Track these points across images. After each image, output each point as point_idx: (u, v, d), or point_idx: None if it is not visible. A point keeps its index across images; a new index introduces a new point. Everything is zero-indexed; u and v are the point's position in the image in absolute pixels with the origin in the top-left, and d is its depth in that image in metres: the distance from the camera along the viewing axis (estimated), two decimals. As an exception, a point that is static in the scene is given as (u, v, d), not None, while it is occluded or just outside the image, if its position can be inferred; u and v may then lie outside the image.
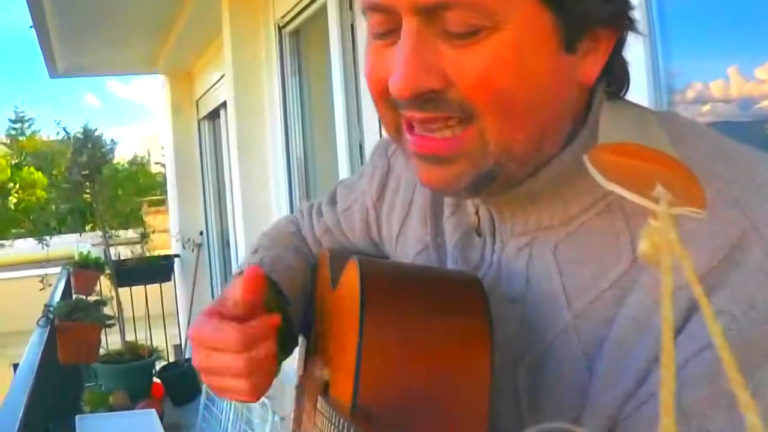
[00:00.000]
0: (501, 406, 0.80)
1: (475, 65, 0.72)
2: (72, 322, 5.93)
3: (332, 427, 0.77)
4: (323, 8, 4.04)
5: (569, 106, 0.79)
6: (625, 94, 0.86)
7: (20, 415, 3.26)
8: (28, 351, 4.85)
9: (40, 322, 5.79)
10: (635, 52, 1.76)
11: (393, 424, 0.73)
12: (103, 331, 6.56)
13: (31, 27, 6.01)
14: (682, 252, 0.44)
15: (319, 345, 1.07)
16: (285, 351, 1.06)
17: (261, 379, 0.91)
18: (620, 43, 0.80)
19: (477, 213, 0.93)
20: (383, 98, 0.80)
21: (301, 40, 4.81)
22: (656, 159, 0.65)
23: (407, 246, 1.05)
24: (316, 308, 1.14)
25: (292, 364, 1.16)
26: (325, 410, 0.83)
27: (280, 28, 4.81)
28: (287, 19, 4.67)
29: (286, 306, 1.05)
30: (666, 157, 0.67)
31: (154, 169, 17.47)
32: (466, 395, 0.74)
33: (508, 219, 0.87)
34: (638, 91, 0.86)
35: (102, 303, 6.65)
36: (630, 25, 0.79)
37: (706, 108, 1.94)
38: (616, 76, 0.83)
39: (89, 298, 6.83)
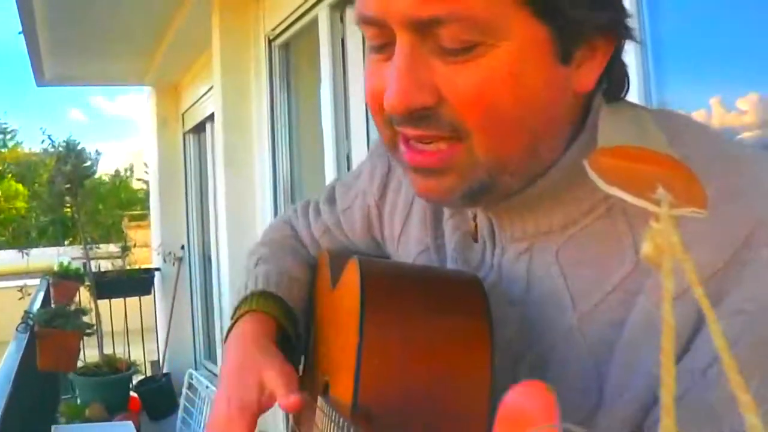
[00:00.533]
0: None
1: (469, 82, 0.72)
2: (52, 329, 5.89)
3: (333, 426, 0.77)
4: (314, 22, 4.06)
5: (565, 114, 0.79)
6: (624, 97, 0.85)
7: (-3, 419, 3.22)
8: (7, 357, 4.81)
9: (19, 329, 5.74)
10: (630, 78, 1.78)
11: (393, 423, 0.72)
12: (82, 342, 6.51)
13: (20, 33, 6.00)
14: (684, 254, 0.43)
15: (319, 345, 1.07)
16: (293, 365, 1.07)
17: None
18: (618, 50, 0.80)
19: (474, 219, 0.93)
20: (380, 113, 0.79)
21: (291, 54, 4.82)
22: (656, 160, 0.65)
23: (409, 246, 1.05)
24: (315, 308, 1.14)
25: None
26: (326, 410, 0.83)
27: (270, 41, 4.82)
28: (277, 31, 4.68)
29: (297, 324, 1.07)
30: (665, 157, 0.68)
31: (136, 185, 17.42)
32: (467, 395, 0.74)
33: (507, 225, 0.87)
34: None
35: (82, 311, 6.61)
36: (627, 32, 0.79)
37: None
38: (615, 79, 0.83)
39: (68, 307, 6.78)
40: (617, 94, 0.84)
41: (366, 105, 3.46)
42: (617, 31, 0.77)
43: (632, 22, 0.79)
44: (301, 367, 1.19)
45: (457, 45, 0.71)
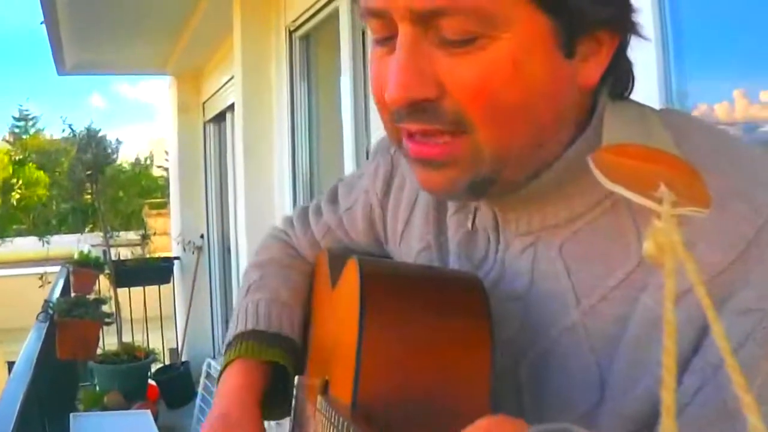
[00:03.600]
0: (503, 402, 0.80)
1: (471, 74, 0.72)
2: (71, 318, 5.93)
3: (332, 426, 0.77)
4: (335, 13, 4.05)
5: (569, 109, 0.79)
6: (629, 95, 0.85)
7: (18, 406, 3.26)
8: (27, 345, 4.86)
9: (39, 318, 5.79)
10: (649, 71, 1.76)
11: (393, 423, 0.72)
12: (101, 331, 6.56)
13: (41, 23, 6.03)
14: (686, 253, 0.43)
15: (318, 344, 1.07)
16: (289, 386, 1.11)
17: None
18: (624, 45, 0.80)
19: (475, 212, 0.93)
20: (385, 108, 0.79)
21: (311, 45, 4.81)
22: (659, 159, 0.66)
23: (411, 244, 1.04)
24: (315, 307, 1.14)
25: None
26: (325, 410, 0.83)
27: (290, 32, 4.81)
28: (298, 23, 4.67)
29: (294, 352, 1.08)
30: (669, 156, 0.68)
31: (156, 172, 17.49)
32: (466, 394, 0.74)
33: (513, 220, 0.87)
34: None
35: (102, 301, 6.65)
36: (632, 27, 0.78)
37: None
38: (620, 77, 0.82)
39: (88, 296, 6.83)
40: (623, 91, 0.84)
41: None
42: (622, 25, 0.77)
43: (639, 17, 0.78)
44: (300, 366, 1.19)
45: (459, 36, 0.71)
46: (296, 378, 1.18)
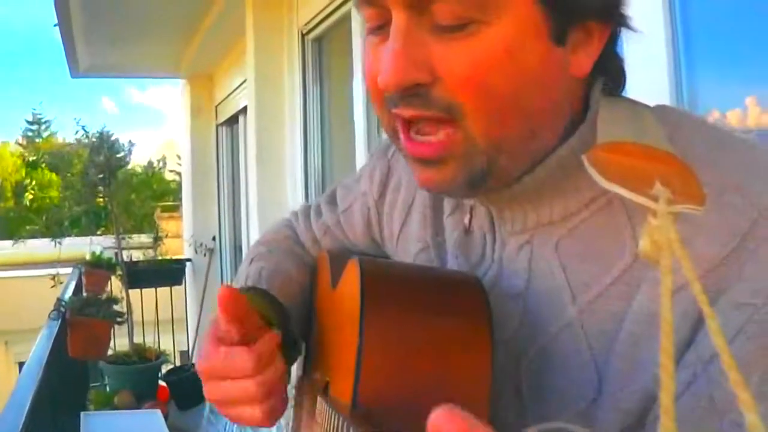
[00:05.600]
0: (503, 400, 0.81)
1: (464, 60, 0.72)
2: (83, 317, 5.94)
3: (332, 426, 0.77)
4: (347, 16, 4.06)
5: (563, 98, 0.79)
6: (622, 91, 0.86)
7: (28, 404, 3.26)
8: (38, 344, 4.85)
9: (51, 315, 5.79)
10: (659, 77, 1.77)
11: (393, 423, 0.72)
12: (112, 331, 6.56)
13: (55, 25, 6.05)
14: (681, 250, 0.44)
15: (319, 345, 1.07)
16: (289, 363, 1.06)
17: (275, 404, 0.91)
18: (613, 38, 0.81)
19: (471, 211, 0.94)
20: (379, 97, 0.80)
21: (323, 48, 4.83)
22: (654, 156, 0.66)
23: (408, 245, 1.05)
24: (315, 308, 1.14)
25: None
26: (325, 410, 0.83)
27: (303, 35, 4.83)
28: (311, 26, 4.69)
29: (288, 320, 1.05)
30: (664, 153, 0.68)
31: (168, 176, 17.51)
32: (466, 394, 0.74)
33: (508, 218, 0.87)
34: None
35: (114, 300, 6.65)
36: (623, 19, 0.79)
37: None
38: (611, 72, 0.83)
39: (100, 296, 6.84)
40: (615, 88, 0.84)
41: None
42: (612, 16, 0.78)
43: (626, 9, 0.79)
44: (300, 367, 1.20)
45: (452, 22, 0.72)
46: (296, 378, 1.19)
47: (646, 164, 0.62)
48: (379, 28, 0.78)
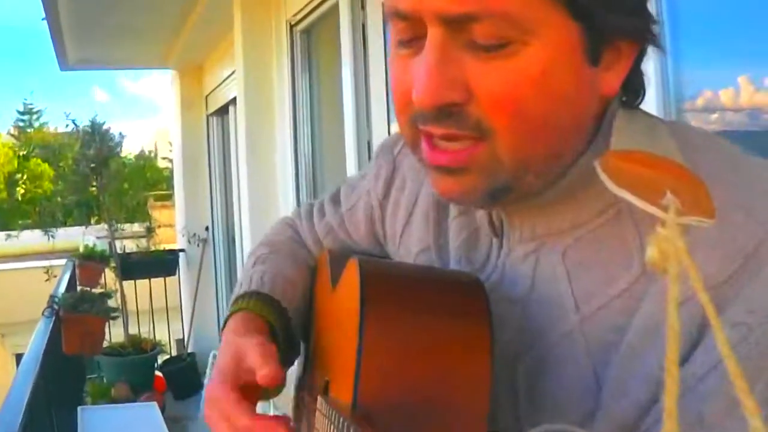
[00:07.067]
0: (499, 405, 0.80)
1: (501, 80, 0.71)
2: (77, 314, 5.93)
3: (332, 426, 0.76)
4: (335, 7, 4.05)
5: (589, 117, 0.78)
6: (639, 104, 0.85)
7: (26, 400, 3.27)
8: (33, 340, 4.85)
9: (45, 313, 5.78)
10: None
11: (393, 423, 0.72)
12: (107, 323, 6.56)
13: (43, 19, 6.03)
14: (689, 261, 0.44)
15: (319, 345, 1.07)
16: (288, 364, 1.08)
17: None
18: (641, 56, 0.79)
19: (478, 218, 0.93)
20: (405, 111, 0.79)
21: (312, 39, 4.82)
22: (666, 167, 0.64)
23: (410, 245, 1.04)
24: (315, 308, 1.14)
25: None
26: (325, 410, 0.83)
27: (291, 26, 4.82)
28: (299, 17, 4.68)
29: (288, 322, 1.06)
30: (676, 165, 0.66)
31: (161, 164, 17.47)
32: (466, 395, 0.74)
33: (517, 225, 0.86)
34: (646, 100, 0.86)
35: (107, 295, 6.63)
36: (652, 39, 0.78)
37: (715, 117, 1.93)
38: (632, 86, 0.82)
39: (94, 290, 6.83)
40: (634, 101, 0.84)
41: (386, 91, 3.47)
42: (644, 36, 0.77)
43: (657, 29, 0.78)
44: (300, 367, 1.20)
45: (490, 42, 0.70)
46: (296, 378, 1.19)
47: (657, 174, 0.60)
48: (411, 41, 0.76)
